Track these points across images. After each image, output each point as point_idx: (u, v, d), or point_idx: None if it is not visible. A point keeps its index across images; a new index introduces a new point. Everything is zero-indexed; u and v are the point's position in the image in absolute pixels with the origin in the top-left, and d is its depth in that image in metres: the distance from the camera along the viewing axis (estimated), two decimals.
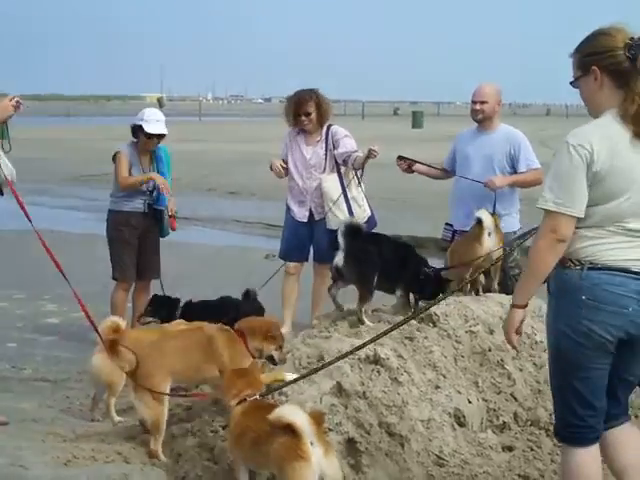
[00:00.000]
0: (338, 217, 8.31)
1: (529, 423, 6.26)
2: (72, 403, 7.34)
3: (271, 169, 8.83)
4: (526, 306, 4.52)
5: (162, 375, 5.80)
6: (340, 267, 6.70)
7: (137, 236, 9.02)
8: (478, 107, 8.20)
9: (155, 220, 9.03)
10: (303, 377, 5.56)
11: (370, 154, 8.18)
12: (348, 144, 8.63)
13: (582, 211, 4.29)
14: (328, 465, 4.60)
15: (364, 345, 5.51)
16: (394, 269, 6.84)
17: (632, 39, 4.28)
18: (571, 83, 4.52)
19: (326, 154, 8.69)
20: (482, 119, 8.24)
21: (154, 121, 8.87)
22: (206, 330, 6.02)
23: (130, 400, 7.09)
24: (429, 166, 8.65)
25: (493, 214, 7.39)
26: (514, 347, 4.78)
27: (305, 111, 8.67)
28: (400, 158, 8.48)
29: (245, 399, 5.13)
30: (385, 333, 5.43)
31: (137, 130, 8.93)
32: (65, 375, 8.06)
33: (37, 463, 5.33)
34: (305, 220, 8.79)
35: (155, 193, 8.93)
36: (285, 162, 8.83)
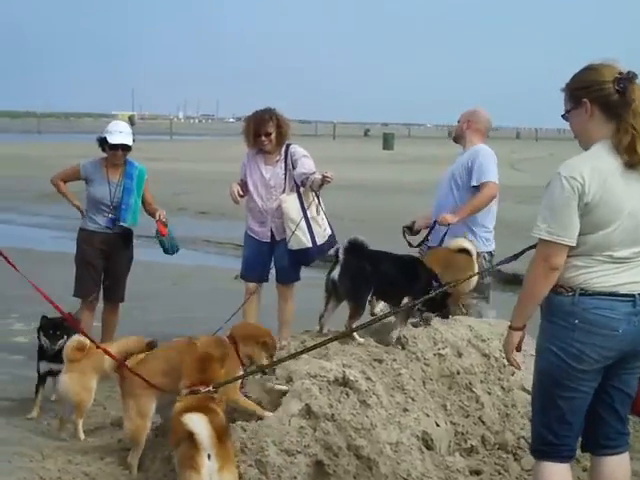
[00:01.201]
0: (299, 237, 8.35)
1: (497, 447, 6.28)
2: (39, 423, 7.28)
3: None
4: (523, 328, 4.66)
5: (147, 395, 5.83)
6: (336, 281, 6.71)
7: (100, 256, 8.93)
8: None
9: (123, 239, 8.96)
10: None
11: (324, 180, 8.19)
12: (306, 164, 8.60)
13: (574, 240, 4.43)
14: None
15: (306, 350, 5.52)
16: (397, 284, 6.80)
17: (621, 73, 4.44)
18: (562, 116, 4.69)
19: (285, 174, 8.66)
20: (454, 137, 8.53)
21: (117, 132, 8.95)
22: (200, 346, 5.99)
23: (98, 420, 7.13)
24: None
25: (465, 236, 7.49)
26: (516, 366, 4.91)
27: (265, 131, 8.64)
28: (405, 228, 8.60)
29: (192, 393, 5.19)
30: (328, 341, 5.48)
31: (103, 143, 8.99)
32: (32, 395, 7.99)
33: None
34: (268, 240, 8.76)
35: (122, 209, 8.88)
36: (244, 183, 8.80)
